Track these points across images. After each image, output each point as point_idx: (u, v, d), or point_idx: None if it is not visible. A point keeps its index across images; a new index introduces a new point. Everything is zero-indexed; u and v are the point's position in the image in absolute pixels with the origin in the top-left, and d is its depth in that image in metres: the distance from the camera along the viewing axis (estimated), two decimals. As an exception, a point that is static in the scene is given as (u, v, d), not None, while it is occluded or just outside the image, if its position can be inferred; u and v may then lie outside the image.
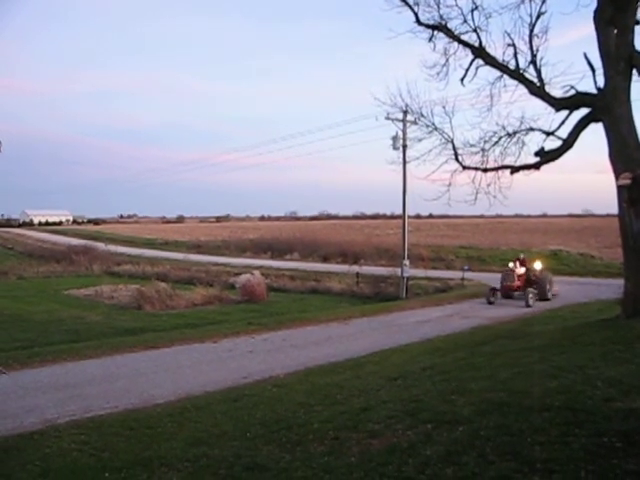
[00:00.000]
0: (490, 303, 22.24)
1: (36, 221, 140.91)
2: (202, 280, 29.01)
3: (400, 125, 23.00)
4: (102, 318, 19.33)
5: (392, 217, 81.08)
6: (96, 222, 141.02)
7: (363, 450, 5.75)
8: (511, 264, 23.83)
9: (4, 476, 6.16)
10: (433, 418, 6.33)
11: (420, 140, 15.98)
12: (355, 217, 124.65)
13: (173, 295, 23.05)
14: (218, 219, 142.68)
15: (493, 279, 28.53)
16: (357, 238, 51.93)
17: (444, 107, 15.10)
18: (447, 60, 14.37)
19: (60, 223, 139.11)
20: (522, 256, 24.53)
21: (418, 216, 79.60)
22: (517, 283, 22.85)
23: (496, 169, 14.51)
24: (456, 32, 14.01)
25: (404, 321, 18.32)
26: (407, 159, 22.68)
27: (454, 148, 14.85)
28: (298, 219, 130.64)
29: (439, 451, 5.29)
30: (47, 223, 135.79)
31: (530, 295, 21.33)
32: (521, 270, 23.25)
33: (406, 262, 24.60)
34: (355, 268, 30.04)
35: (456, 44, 14.18)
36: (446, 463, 4.98)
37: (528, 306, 20.73)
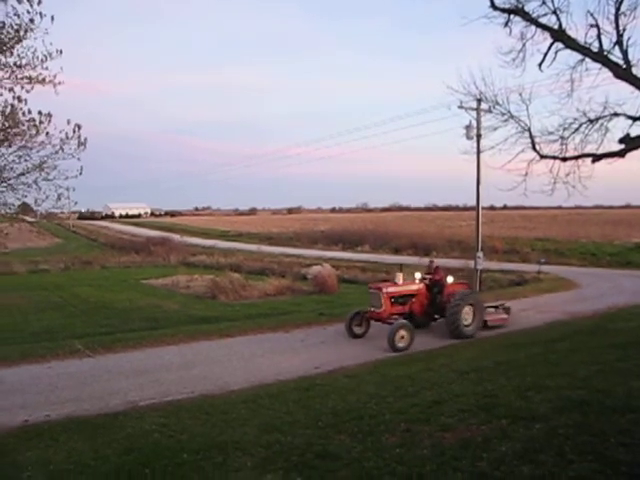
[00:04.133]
0: (355, 336, 14.29)
1: (117, 214, 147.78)
2: (274, 271, 29.49)
3: (474, 114, 22.34)
4: (179, 307, 20.04)
5: (464, 209, 79.55)
6: (172, 214, 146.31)
7: (435, 443, 5.70)
8: (417, 274, 15.07)
9: (92, 450, 6.60)
10: (508, 414, 6.19)
11: (495, 129, 15.43)
12: (427, 208, 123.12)
13: (246, 285, 23.54)
14: (290, 211, 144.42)
15: (571, 273, 27.51)
16: (429, 230, 51.20)
17: (520, 94, 14.53)
18: (524, 45, 13.75)
19: (139, 215, 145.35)
20: (434, 262, 16.17)
21: (492, 207, 77.58)
22: (388, 310, 14.02)
23: (576, 158, 13.89)
24: (534, 15, 13.37)
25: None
26: (481, 149, 22.00)
27: (531, 136, 14.31)
28: (369, 211, 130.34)
29: (515, 448, 5.17)
30: (127, 215, 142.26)
31: (401, 333, 12.89)
32: (411, 286, 14.67)
33: (479, 254, 23.97)
34: (427, 260, 29.54)
35: (534, 28, 13.55)
36: (522, 460, 4.86)
37: (395, 350, 12.64)
